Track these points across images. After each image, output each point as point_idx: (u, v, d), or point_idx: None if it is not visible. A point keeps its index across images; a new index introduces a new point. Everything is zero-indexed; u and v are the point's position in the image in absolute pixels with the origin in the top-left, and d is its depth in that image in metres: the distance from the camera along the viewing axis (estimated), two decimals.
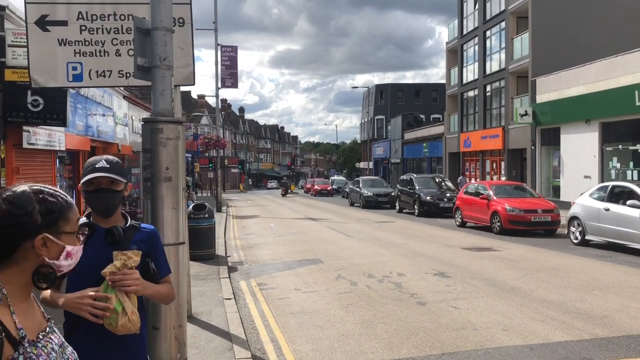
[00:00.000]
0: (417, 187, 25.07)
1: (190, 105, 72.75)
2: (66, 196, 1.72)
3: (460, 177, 31.94)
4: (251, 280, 9.98)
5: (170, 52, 3.74)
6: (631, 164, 20.46)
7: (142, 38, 3.75)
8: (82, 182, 2.57)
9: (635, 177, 19.88)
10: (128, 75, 5.51)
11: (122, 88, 18.97)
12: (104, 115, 17.45)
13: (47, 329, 1.64)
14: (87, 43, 5.48)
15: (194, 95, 79.45)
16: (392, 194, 29.23)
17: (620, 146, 21.10)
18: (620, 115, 20.58)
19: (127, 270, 2.37)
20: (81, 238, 1.75)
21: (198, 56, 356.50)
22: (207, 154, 39.55)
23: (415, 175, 28.63)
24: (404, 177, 28.84)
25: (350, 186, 35.72)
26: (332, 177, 64.61)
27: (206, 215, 12.01)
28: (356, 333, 6.56)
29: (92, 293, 2.29)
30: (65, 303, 2.32)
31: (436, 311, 7.45)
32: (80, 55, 5.50)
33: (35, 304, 1.69)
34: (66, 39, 5.46)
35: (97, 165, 2.56)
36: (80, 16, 5.44)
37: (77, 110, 14.38)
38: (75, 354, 1.73)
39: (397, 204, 27.26)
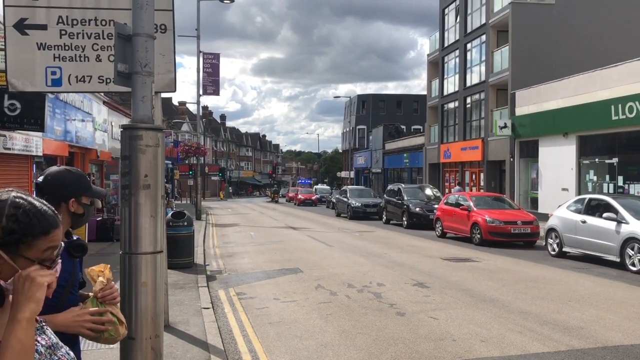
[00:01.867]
0: (405, 198, 24.16)
1: (171, 111, 72.29)
2: (48, 220, 1.59)
3: (458, 187, 31.34)
4: (230, 290, 9.89)
5: (152, 58, 3.70)
6: (607, 177, 20.81)
7: (123, 44, 3.71)
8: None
9: (612, 190, 20.22)
10: (108, 81, 5.46)
11: (102, 94, 18.80)
12: (83, 120, 17.26)
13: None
14: (67, 48, 5.41)
15: (175, 102, 79.00)
16: (381, 204, 27.76)
17: (597, 159, 21.45)
18: (597, 129, 20.94)
19: (112, 284, 2.44)
20: (49, 267, 1.60)
21: (180, 63, 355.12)
22: (187, 162, 39.32)
23: (403, 185, 27.76)
24: (391, 187, 27.81)
25: (337, 196, 34.47)
26: (315, 186, 63.91)
27: (185, 223, 11.91)
28: (335, 343, 6.53)
29: (92, 309, 2.32)
30: (65, 324, 2.26)
31: (415, 322, 7.45)
32: (59, 60, 5.43)
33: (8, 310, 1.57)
34: (45, 43, 5.39)
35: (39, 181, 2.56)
36: (60, 20, 5.38)
37: (56, 115, 14.20)
38: (72, 354, 1.67)
39: (384, 215, 26.34)
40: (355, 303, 8.61)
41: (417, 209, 23.07)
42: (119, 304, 2.48)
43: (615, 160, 20.40)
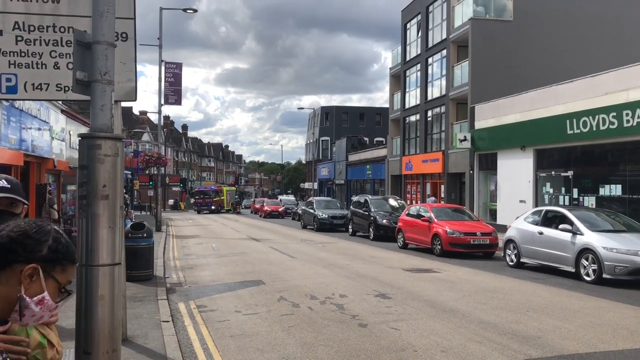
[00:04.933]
0: (372, 210, 23.87)
1: (132, 121, 71.20)
2: (75, 253, 1.87)
3: (433, 198, 31.51)
4: (190, 302, 9.73)
5: (112, 66, 3.64)
6: (563, 189, 21.41)
7: (83, 51, 3.64)
8: None
9: (567, 202, 20.80)
10: (67, 89, 5.35)
11: (60, 102, 18.37)
12: (39, 129, 16.80)
13: None
14: (23, 54, 5.28)
15: (136, 111, 77.86)
16: (348, 216, 27.18)
17: (553, 172, 22.06)
18: (553, 143, 21.55)
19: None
20: (60, 299, 1.80)
21: (141, 71, 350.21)
22: (147, 172, 38.67)
23: (370, 196, 27.53)
24: (357, 198, 27.53)
25: (303, 207, 33.83)
26: (280, 197, 61.84)
27: (144, 235, 11.69)
28: (297, 356, 6.49)
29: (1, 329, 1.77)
30: None
31: (377, 333, 7.47)
32: (15, 67, 5.29)
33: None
34: (0, 50, 5.24)
35: None
36: (16, 26, 5.25)
37: (11, 123, 13.79)
38: None
39: (350, 227, 26.01)
40: (318, 315, 8.58)
41: (384, 221, 22.83)
42: (55, 323, 1.97)
43: (570, 173, 21.02)
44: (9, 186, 2.43)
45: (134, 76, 5.54)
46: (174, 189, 72.15)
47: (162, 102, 29.54)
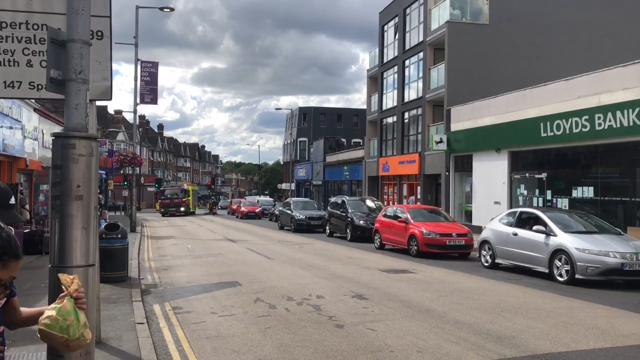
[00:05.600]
0: (349, 211, 23.92)
1: (107, 120, 70.32)
2: (19, 248, 1.86)
3: (412, 198, 31.55)
4: (165, 304, 9.64)
5: (87, 65, 3.59)
6: (537, 191, 21.74)
7: (57, 49, 3.58)
8: None
9: (541, 204, 21.13)
10: (40, 87, 5.25)
11: (32, 100, 18.04)
12: (11, 127, 16.49)
13: None
14: None
15: (111, 111, 76.95)
16: (325, 216, 27.23)
17: (527, 174, 22.38)
18: (528, 145, 21.87)
19: (82, 289, 2.53)
20: (2, 295, 1.88)
21: (117, 70, 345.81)
22: (122, 172, 38.21)
23: (347, 197, 27.53)
24: (335, 199, 27.55)
25: (280, 208, 33.68)
26: (257, 198, 60.92)
27: (119, 236, 11.54)
28: (273, 357, 6.47)
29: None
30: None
31: (354, 333, 7.49)
32: None
33: None
34: None
35: None
36: None
37: None
38: None
39: (327, 228, 26.04)
40: (295, 316, 8.57)
41: (361, 222, 22.91)
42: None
43: (544, 175, 21.35)
44: None
45: (110, 75, 5.46)
46: (149, 189, 71.43)
47: (138, 101, 29.23)
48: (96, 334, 5.87)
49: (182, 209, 51.43)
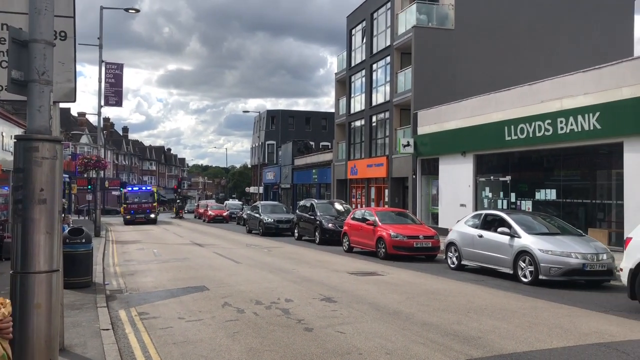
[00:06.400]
0: (318, 214, 23.96)
1: (70, 122, 68.93)
2: None
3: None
4: (131, 309, 9.47)
5: (50, 66, 3.51)
6: (501, 193, 22.14)
7: (18, 50, 3.49)
8: None
9: (505, 206, 21.52)
10: (0, 88, 5.11)
11: None
12: None
13: None
14: None
15: (74, 113, 75.39)
16: (294, 220, 27.16)
17: (492, 177, 22.79)
18: (492, 149, 22.27)
19: (10, 318, 2.34)
20: None
21: (80, 72, 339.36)
22: (86, 175, 37.44)
23: (316, 200, 27.58)
24: (303, 202, 27.51)
25: (248, 212, 33.42)
26: (226, 201, 59.89)
27: (83, 240, 11.31)
28: None
29: None
30: None
31: (323, 337, 7.49)
32: None
33: None
34: None
35: None
36: None
37: None
38: None
39: (296, 231, 26.06)
40: (263, 320, 8.53)
41: (330, 225, 22.99)
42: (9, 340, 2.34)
43: (508, 178, 21.77)
44: None
45: (74, 76, 5.36)
46: (113, 192, 70.21)
47: (102, 103, 28.73)
48: (59, 341, 5.73)
49: (153, 215, 42.35)
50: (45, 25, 3.50)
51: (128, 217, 41.61)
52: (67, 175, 37.56)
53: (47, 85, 3.48)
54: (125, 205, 42.28)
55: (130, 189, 46.57)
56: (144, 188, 46.86)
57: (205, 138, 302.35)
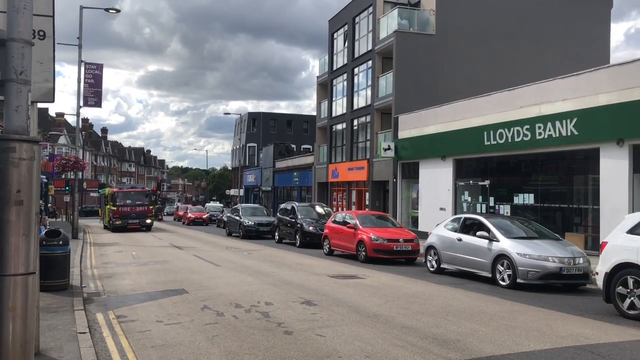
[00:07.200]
0: (299, 217, 23.92)
1: (47, 123, 68.02)
2: None
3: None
4: (109, 312, 9.37)
5: (28, 66, 3.46)
6: (480, 197, 22.36)
7: None
8: None
9: (484, 210, 21.74)
10: None
11: None
12: None
13: None
14: None
15: (52, 113, 74.44)
16: (275, 223, 26.96)
17: (471, 181, 23.00)
18: (472, 153, 22.49)
19: None
20: None
21: (59, 71, 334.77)
22: (63, 176, 36.90)
23: (297, 203, 27.51)
24: (284, 205, 27.44)
25: (228, 214, 33.03)
26: (206, 204, 59.23)
27: (60, 242, 11.15)
28: None
29: None
30: None
31: (302, 340, 7.49)
32: None
33: None
34: None
35: None
36: None
37: None
38: None
39: (276, 234, 25.98)
40: (243, 323, 8.49)
41: (311, 228, 22.94)
42: None
43: (487, 182, 22.00)
44: None
45: (52, 76, 5.29)
46: (91, 194, 69.41)
47: (81, 104, 28.40)
48: (35, 345, 5.64)
49: (149, 221, 35.01)
50: (23, 24, 3.46)
51: (118, 222, 33.78)
52: (45, 177, 36.95)
53: (25, 85, 3.44)
54: (114, 208, 34.14)
55: (120, 188, 39.88)
56: (138, 188, 40.04)
57: (185, 140, 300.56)
